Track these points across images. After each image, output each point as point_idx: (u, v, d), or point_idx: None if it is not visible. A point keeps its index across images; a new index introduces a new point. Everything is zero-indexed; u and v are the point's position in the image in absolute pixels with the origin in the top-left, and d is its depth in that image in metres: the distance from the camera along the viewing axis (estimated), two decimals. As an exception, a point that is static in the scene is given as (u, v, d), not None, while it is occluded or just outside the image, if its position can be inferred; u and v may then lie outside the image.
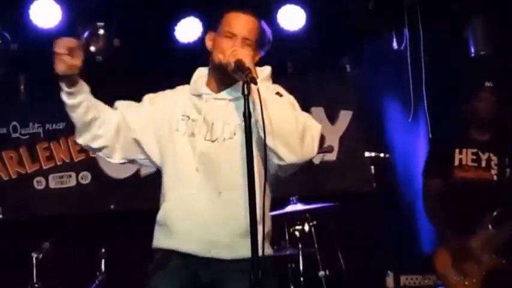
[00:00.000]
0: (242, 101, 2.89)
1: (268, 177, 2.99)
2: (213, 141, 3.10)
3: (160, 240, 3.16)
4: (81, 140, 3.27)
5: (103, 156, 3.30)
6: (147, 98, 3.31)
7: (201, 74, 3.29)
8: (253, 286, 2.73)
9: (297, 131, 2.98)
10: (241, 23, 3.14)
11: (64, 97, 3.23)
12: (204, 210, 3.05)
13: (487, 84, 5.06)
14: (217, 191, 3.06)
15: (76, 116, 3.24)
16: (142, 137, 3.23)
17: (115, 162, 3.30)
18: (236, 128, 3.10)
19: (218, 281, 3.07)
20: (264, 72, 3.22)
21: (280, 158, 2.99)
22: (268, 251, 3.15)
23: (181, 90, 3.30)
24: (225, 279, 3.06)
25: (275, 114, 2.96)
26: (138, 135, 3.23)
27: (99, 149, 3.26)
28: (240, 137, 3.07)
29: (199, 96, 3.19)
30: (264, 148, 2.89)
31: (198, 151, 3.09)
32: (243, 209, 2.96)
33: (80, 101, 3.22)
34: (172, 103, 3.23)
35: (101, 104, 3.28)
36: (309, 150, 3.02)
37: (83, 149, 6.63)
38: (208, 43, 3.22)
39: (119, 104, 3.30)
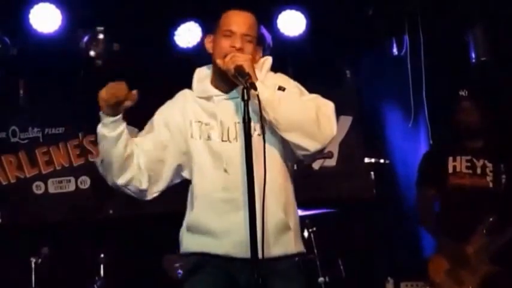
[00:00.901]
0: (252, 100, 2.93)
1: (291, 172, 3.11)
2: (235, 140, 3.09)
3: (193, 244, 3.13)
4: (122, 180, 3.17)
5: (141, 195, 3.26)
6: (158, 120, 3.25)
7: (202, 75, 3.26)
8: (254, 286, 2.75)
9: (310, 118, 3.01)
10: (239, 20, 3.14)
11: (104, 130, 3.06)
12: (233, 210, 3.05)
13: (462, 93, 5.06)
14: (243, 194, 3.00)
15: (116, 152, 3.08)
16: (172, 161, 3.20)
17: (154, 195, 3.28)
18: (255, 126, 3.06)
19: (256, 284, 3.03)
20: (265, 64, 3.23)
21: (304, 149, 3.03)
22: (300, 247, 3.17)
23: (183, 96, 3.26)
24: (264, 280, 2.98)
25: (284, 111, 2.99)
26: (169, 162, 3.20)
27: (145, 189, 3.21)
28: (259, 135, 3.05)
29: (207, 98, 3.16)
30: (264, 149, 2.92)
31: (217, 152, 3.09)
32: (273, 207, 3.01)
33: (121, 132, 3.09)
34: (179, 113, 3.20)
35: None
36: (327, 130, 3.05)
37: (82, 154, 6.66)
38: (208, 45, 3.21)
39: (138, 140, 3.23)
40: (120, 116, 3.06)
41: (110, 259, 5.70)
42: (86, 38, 6.11)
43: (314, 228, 5.66)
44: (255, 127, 3.05)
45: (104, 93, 3.00)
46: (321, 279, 5.50)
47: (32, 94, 6.62)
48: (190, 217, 3.15)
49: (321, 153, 3.10)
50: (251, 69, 2.99)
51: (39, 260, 5.46)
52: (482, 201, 4.89)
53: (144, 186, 3.17)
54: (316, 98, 3.14)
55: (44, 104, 6.66)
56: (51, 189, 6.65)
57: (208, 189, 3.11)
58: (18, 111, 6.68)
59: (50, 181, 6.65)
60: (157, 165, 3.18)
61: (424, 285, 5.62)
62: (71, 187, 6.66)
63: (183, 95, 3.27)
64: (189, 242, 3.15)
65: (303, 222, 5.65)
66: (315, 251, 5.58)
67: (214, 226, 3.07)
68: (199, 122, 3.15)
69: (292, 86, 3.18)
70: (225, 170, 3.06)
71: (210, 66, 3.25)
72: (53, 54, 6.13)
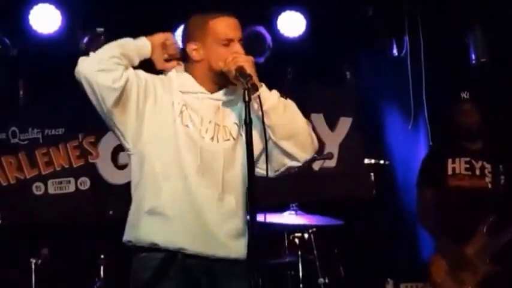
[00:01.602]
0: (237, 103, 2.99)
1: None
2: (211, 140, 3.08)
3: (159, 234, 3.01)
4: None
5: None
6: (144, 75, 3.15)
7: (178, 68, 3.21)
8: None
9: (306, 129, 3.08)
10: (233, 27, 3.12)
11: (130, 45, 3.19)
12: (207, 207, 3.02)
13: (463, 95, 5.07)
14: (217, 190, 3.03)
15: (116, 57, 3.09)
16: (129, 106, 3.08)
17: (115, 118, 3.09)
18: (232, 130, 3.11)
19: (218, 285, 3.05)
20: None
21: (295, 159, 3.08)
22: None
23: (167, 79, 3.18)
24: (225, 282, 3.05)
25: (288, 118, 3.04)
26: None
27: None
28: (237, 142, 3.09)
29: (192, 93, 3.12)
30: (266, 152, 2.96)
31: (198, 146, 3.05)
32: (239, 209, 3.06)
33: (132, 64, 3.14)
34: (168, 90, 3.14)
35: None
36: (315, 141, 3.13)
37: (82, 155, 6.64)
38: (195, 54, 3.15)
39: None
40: (147, 56, 3.16)
41: (109, 260, 5.69)
42: (86, 39, 6.10)
43: (314, 229, 5.65)
44: (231, 131, 3.09)
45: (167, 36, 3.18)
46: (320, 280, 5.49)
47: (32, 95, 6.60)
48: (156, 198, 3.03)
49: (298, 167, 3.13)
50: (252, 70, 3.00)
51: (39, 261, 5.46)
52: (481, 202, 4.90)
53: (116, 85, 3.02)
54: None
55: (44, 105, 6.65)
56: (51, 190, 6.64)
57: (178, 176, 3.03)
58: (18, 112, 6.67)
59: (49, 182, 6.63)
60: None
61: (423, 286, 5.63)
62: (71, 188, 6.65)
63: (168, 80, 3.18)
64: (151, 229, 3.03)
65: (303, 224, 5.66)
66: (315, 251, 5.57)
67: (183, 217, 3.00)
68: (183, 105, 3.09)
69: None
70: (199, 165, 3.03)
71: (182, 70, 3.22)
72: (53, 55, 6.12)
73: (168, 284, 3.00)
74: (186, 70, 3.19)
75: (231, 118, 3.13)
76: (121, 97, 3.02)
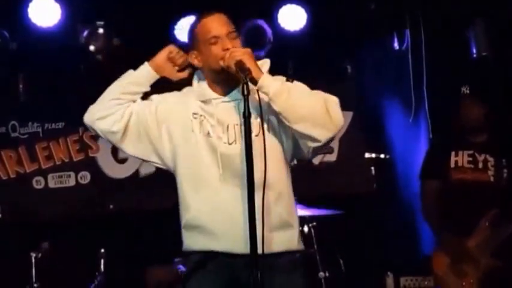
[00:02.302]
0: (255, 96, 2.93)
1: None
2: (230, 144, 3.08)
3: (195, 242, 3.12)
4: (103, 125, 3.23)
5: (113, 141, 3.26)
6: (157, 99, 3.24)
7: (200, 77, 3.24)
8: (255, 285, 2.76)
9: (320, 107, 3.00)
10: (216, 23, 3.11)
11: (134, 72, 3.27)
12: (235, 209, 3.03)
13: (463, 89, 5.07)
14: (242, 190, 3.00)
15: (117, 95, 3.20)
16: (156, 138, 3.18)
17: (128, 152, 3.26)
18: (253, 128, 3.04)
19: (257, 280, 3.01)
20: (264, 67, 3.18)
21: (315, 140, 3.01)
22: (301, 245, 3.20)
23: (189, 91, 3.24)
24: (264, 277, 2.98)
25: (295, 101, 2.98)
26: (153, 136, 3.18)
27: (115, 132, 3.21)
28: (260, 134, 3.05)
29: (206, 101, 3.15)
30: (264, 143, 2.94)
31: (219, 153, 3.06)
32: (273, 205, 3.03)
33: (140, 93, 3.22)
34: (183, 104, 3.18)
35: None
36: (338, 119, 3.04)
37: (82, 149, 6.65)
38: (195, 61, 3.17)
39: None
40: (156, 76, 3.23)
41: (110, 254, 5.69)
42: (85, 33, 6.09)
43: (314, 223, 5.65)
44: (253, 128, 3.04)
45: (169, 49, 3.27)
46: (321, 274, 5.50)
47: (31, 89, 6.60)
48: (189, 214, 3.12)
49: (329, 143, 3.08)
50: (251, 61, 2.98)
51: (39, 255, 5.45)
52: (484, 196, 4.90)
53: (114, 128, 3.20)
54: (320, 91, 3.13)
55: (44, 98, 6.65)
56: (51, 184, 6.64)
57: (203, 186, 3.09)
58: (18, 106, 6.67)
59: (50, 176, 6.64)
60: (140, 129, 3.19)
61: (423, 280, 5.64)
62: (71, 182, 6.65)
63: (190, 90, 3.24)
64: (191, 240, 3.14)
65: (303, 217, 5.66)
66: (315, 246, 5.57)
67: (216, 225, 3.07)
68: (200, 115, 3.12)
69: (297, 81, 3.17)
70: (221, 171, 3.06)
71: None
72: (52, 48, 6.11)
73: (208, 276, 3.08)
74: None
75: (251, 115, 3.06)
76: (127, 133, 3.18)
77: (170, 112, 3.17)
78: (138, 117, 3.16)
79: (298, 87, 3.06)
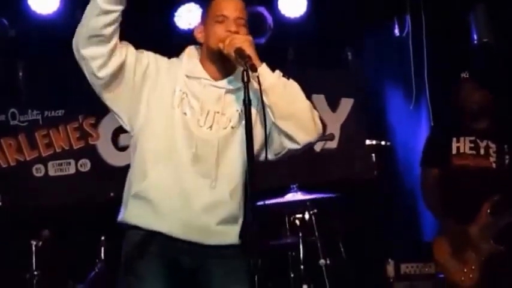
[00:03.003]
0: (241, 92, 2.91)
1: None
2: (209, 129, 3.06)
3: (140, 217, 3.04)
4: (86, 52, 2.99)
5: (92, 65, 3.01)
6: (149, 55, 3.15)
7: (192, 53, 3.21)
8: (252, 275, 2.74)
9: (309, 110, 3.02)
10: (230, 5, 3.11)
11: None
12: (195, 193, 3.01)
13: (463, 75, 5.05)
14: (209, 178, 3.02)
15: (95, 22, 2.92)
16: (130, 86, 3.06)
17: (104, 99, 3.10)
18: (232, 119, 3.08)
19: (199, 268, 3.06)
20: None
21: (294, 141, 3.02)
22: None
23: (177, 64, 3.17)
24: (206, 265, 3.05)
25: (288, 97, 2.99)
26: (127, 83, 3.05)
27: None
28: (236, 129, 3.06)
29: (196, 79, 3.11)
30: (265, 137, 2.93)
31: (195, 135, 3.03)
32: (233, 197, 3.04)
33: (114, 10, 2.95)
34: (171, 75, 3.11)
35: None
36: (320, 127, 3.07)
37: (82, 137, 6.63)
38: (199, 35, 3.17)
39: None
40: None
41: (110, 242, 5.69)
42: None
43: (315, 210, 5.65)
44: (231, 118, 3.06)
45: None
46: (321, 261, 5.50)
47: (31, 76, 6.59)
48: (143, 183, 3.04)
49: (304, 149, 3.08)
50: (251, 49, 2.98)
51: (40, 243, 5.45)
52: (485, 182, 4.89)
53: (100, 74, 3.01)
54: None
55: (43, 86, 6.63)
56: (51, 172, 6.63)
57: (170, 162, 3.03)
58: (17, 93, 6.65)
59: (50, 164, 6.63)
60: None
61: (424, 266, 5.64)
62: (71, 170, 6.65)
63: (178, 62, 3.18)
64: (136, 213, 3.07)
65: (304, 204, 5.65)
66: (316, 233, 5.57)
67: (168, 203, 3.01)
68: (184, 93, 3.07)
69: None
70: (193, 152, 3.01)
71: (199, 47, 3.22)
72: (51, 36, 6.09)
73: (147, 258, 3.02)
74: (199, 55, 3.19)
75: (234, 106, 3.09)
76: (112, 80, 3.02)
77: (157, 77, 3.09)
78: (126, 66, 3.03)
79: (293, 85, 3.06)
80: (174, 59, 3.21)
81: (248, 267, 2.74)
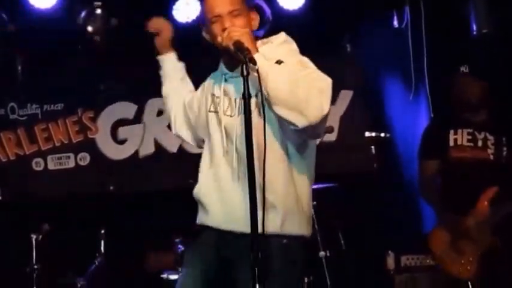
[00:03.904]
0: (252, 74, 2.90)
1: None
2: (231, 116, 3.14)
3: (198, 217, 3.28)
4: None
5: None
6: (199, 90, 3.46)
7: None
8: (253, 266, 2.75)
9: (298, 93, 2.89)
10: (218, 2, 3.10)
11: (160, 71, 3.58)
12: (229, 183, 3.12)
13: (462, 68, 5.04)
14: (240, 165, 3.07)
15: (170, 87, 3.58)
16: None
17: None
18: (253, 103, 3.05)
19: (235, 259, 3.09)
20: (277, 39, 3.25)
21: (292, 124, 2.94)
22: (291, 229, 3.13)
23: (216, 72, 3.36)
24: (242, 256, 3.01)
25: (271, 84, 2.92)
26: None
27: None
28: (255, 112, 3.05)
29: (220, 75, 3.25)
30: (264, 132, 2.92)
31: (223, 125, 3.14)
32: (267, 182, 2.94)
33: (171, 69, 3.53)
34: (207, 85, 3.34)
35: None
36: (317, 107, 2.91)
37: (82, 130, 6.64)
38: (207, 37, 3.22)
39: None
40: (164, 56, 3.54)
41: (110, 235, 5.71)
42: (83, 14, 6.07)
43: (314, 203, 5.64)
44: (253, 103, 3.03)
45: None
46: (321, 253, 5.50)
47: (30, 70, 6.59)
48: (196, 189, 3.28)
49: (314, 131, 3.02)
50: (249, 41, 2.96)
51: (40, 237, 5.47)
52: (483, 174, 4.89)
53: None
54: (313, 72, 3.04)
55: (42, 80, 6.63)
56: (51, 166, 6.65)
57: (211, 162, 3.22)
58: (17, 87, 6.66)
59: (49, 158, 6.65)
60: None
61: (424, 259, 5.64)
62: (71, 163, 6.66)
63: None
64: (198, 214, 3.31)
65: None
66: (316, 225, 5.57)
67: (209, 199, 3.20)
68: (213, 95, 3.25)
69: (295, 59, 3.11)
70: (223, 144, 3.15)
71: None
72: (50, 30, 6.09)
73: (196, 249, 3.25)
74: None
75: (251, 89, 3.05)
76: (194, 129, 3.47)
77: (201, 95, 3.37)
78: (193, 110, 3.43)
79: (280, 70, 2.96)
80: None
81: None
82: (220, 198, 3.15)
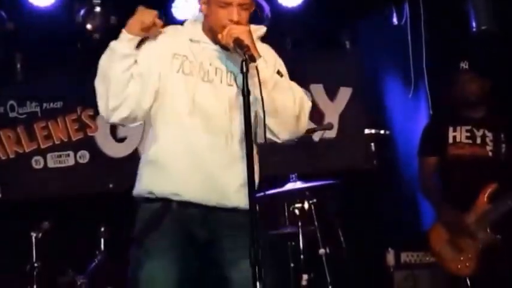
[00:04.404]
0: (238, 56, 2.94)
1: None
2: (210, 83, 3.09)
3: (153, 183, 3.07)
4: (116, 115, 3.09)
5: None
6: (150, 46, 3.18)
7: (196, 20, 3.25)
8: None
9: (295, 112, 3.04)
10: None
11: (116, 45, 3.12)
12: (208, 152, 3.04)
13: (462, 65, 5.04)
14: (222, 134, 3.04)
15: (117, 69, 3.06)
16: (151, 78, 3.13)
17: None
18: (233, 77, 3.10)
19: (214, 240, 3.05)
20: (258, 32, 3.23)
21: (274, 136, 3.04)
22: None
23: (177, 30, 3.24)
24: (222, 236, 3.04)
25: (278, 97, 3.00)
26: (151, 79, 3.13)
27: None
28: (237, 87, 3.07)
29: (197, 42, 3.16)
30: (264, 126, 2.92)
31: (197, 92, 3.07)
32: (241, 158, 2.97)
33: (131, 53, 3.10)
34: (172, 41, 3.17)
35: None
36: (304, 126, 3.10)
37: (81, 128, 6.64)
38: (203, 6, 3.17)
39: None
40: (138, 38, 3.12)
41: (110, 233, 5.70)
42: (82, 11, 6.08)
43: (314, 200, 5.65)
44: (236, 78, 3.07)
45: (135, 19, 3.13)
46: (321, 250, 5.51)
47: (29, 68, 6.59)
48: (152, 149, 3.09)
49: (285, 142, 3.10)
50: (250, 40, 2.98)
51: (40, 235, 5.46)
52: (482, 171, 4.90)
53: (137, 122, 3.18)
54: (300, 91, 3.13)
55: (42, 78, 6.63)
56: (51, 164, 6.64)
57: (176, 123, 3.07)
58: (16, 85, 6.66)
59: (49, 156, 6.64)
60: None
61: (424, 255, 5.65)
62: (70, 162, 6.65)
63: (181, 29, 3.26)
64: (149, 180, 3.10)
65: (303, 194, 5.66)
66: (315, 222, 5.58)
67: (179, 162, 3.03)
68: (184, 56, 3.13)
69: (284, 70, 3.19)
70: (192, 110, 3.05)
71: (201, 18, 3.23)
72: (49, 28, 6.10)
73: (162, 233, 3.02)
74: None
75: (234, 67, 3.10)
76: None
77: (162, 48, 3.15)
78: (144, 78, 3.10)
79: (284, 83, 3.06)
80: (178, 26, 3.27)
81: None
82: (199, 165, 3.02)
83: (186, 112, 3.05)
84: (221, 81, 3.10)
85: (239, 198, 3.02)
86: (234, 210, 3.04)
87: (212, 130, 3.04)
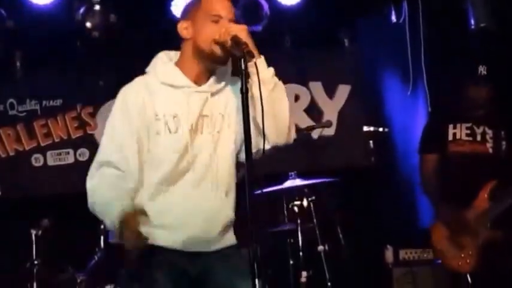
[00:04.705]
0: (223, 92, 3.02)
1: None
2: (201, 134, 3.06)
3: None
4: None
5: None
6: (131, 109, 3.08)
7: (165, 60, 3.15)
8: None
9: (287, 117, 3.06)
10: (224, 5, 3.09)
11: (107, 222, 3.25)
12: (190, 206, 3.05)
13: (481, 69, 5.00)
14: (202, 185, 3.05)
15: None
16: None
17: None
18: (216, 122, 3.09)
19: (205, 271, 3.09)
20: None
21: (266, 139, 3.00)
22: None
23: (145, 84, 3.11)
24: (210, 267, 3.08)
25: (276, 96, 3.02)
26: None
27: None
28: (221, 133, 3.09)
29: (175, 87, 3.07)
30: (262, 125, 2.93)
31: (184, 146, 3.02)
32: (227, 201, 3.09)
33: None
34: (143, 105, 3.05)
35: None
36: (292, 135, 3.12)
37: (81, 126, 6.65)
38: (185, 32, 3.09)
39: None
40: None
41: (110, 231, 5.70)
42: (82, 10, 6.07)
43: (313, 197, 5.66)
44: (215, 123, 3.07)
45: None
46: (320, 247, 5.52)
47: (29, 66, 6.59)
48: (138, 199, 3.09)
49: (272, 149, 3.10)
50: (248, 38, 2.98)
51: (40, 232, 5.46)
52: (482, 168, 4.91)
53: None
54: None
55: (41, 76, 6.64)
56: (50, 162, 6.65)
57: (169, 185, 3.05)
58: (16, 83, 6.66)
59: (48, 153, 6.64)
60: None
61: (423, 252, 5.66)
62: (70, 159, 6.66)
63: (145, 82, 3.12)
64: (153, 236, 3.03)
65: (302, 191, 5.67)
66: (314, 220, 5.59)
67: (171, 219, 3.05)
68: (163, 115, 3.04)
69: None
70: (186, 166, 3.03)
71: (177, 52, 3.17)
72: (49, 26, 6.10)
73: (153, 267, 3.02)
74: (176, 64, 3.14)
75: (218, 109, 3.09)
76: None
77: (139, 120, 3.06)
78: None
79: (281, 87, 3.08)
80: (144, 78, 3.15)
81: (247, 261, 2.74)
82: (180, 218, 3.03)
83: (181, 178, 3.04)
84: (205, 129, 3.06)
85: (224, 241, 3.11)
86: (221, 249, 3.11)
87: (198, 184, 3.05)
